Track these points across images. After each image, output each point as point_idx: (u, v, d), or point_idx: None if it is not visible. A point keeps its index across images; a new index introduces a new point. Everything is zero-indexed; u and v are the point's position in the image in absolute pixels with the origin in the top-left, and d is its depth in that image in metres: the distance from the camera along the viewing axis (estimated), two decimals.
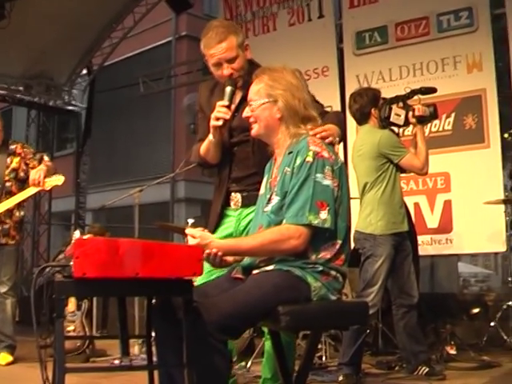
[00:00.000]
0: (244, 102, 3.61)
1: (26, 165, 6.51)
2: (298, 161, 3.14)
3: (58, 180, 6.38)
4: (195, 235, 3.08)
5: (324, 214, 3.05)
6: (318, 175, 3.10)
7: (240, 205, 3.87)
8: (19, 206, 6.52)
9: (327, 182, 3.10)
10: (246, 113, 3.38)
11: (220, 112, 3.68)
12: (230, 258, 3.20)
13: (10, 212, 6.42)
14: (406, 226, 5.56)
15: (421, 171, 5.58)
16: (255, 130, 3.37)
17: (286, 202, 3.13)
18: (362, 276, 5.53)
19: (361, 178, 5.62)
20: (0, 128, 6.51)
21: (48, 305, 2.85)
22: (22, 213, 6.63)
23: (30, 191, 6.34)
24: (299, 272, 3.04)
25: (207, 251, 3.00)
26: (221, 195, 3.96)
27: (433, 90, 5.79)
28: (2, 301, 6.48)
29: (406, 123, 5.57)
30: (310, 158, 3.12)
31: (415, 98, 5.62)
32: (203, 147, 3.94)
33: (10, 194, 6.42)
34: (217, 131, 3.76)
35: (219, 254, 3.02)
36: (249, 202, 3.75)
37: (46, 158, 6.56)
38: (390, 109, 5.48)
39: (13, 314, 6.49)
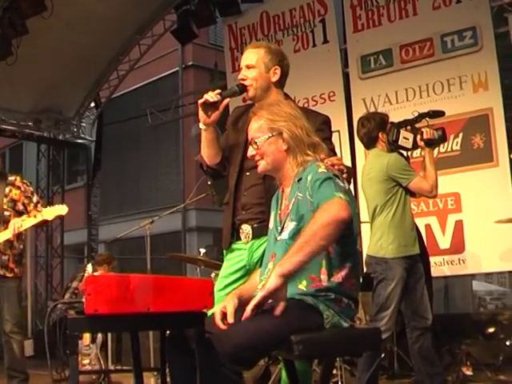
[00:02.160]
0: None
1: (27, 198, 6.49)
2: (310, 177, 3.14)
3: (61, 210, 6.38)
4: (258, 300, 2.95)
5: (349, 200, 3.03)
6: (337, 180, 3.12)
7: (251, 237, 3.86)
8: (18, 238, 6.39)
9: (344, 185, 3.13)
10: (251, 152, 3.39)
11: (209, 95, 3.75)
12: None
13: (10, 243, 6.30)
14: (418, 248, 5.53)
15: (430, 194, 5.56)
16: (262, 166, 3.37)
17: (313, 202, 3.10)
18: (374, 300, 5.51)
19: (370, 202, 5.62)
20: None
21: (62, 340, 2.87)
22: (22, 246, 6.51)
23: (30, 222, 6.29)
24: (311, 301, 3.03)
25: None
26: (230, 218, 3.98)
27: (441, 114, 5.80)
28: (7, 340, 6.30)
29: (415, 146, 5.57)
30: (322, 170, 3.14)
31: (423, 121, 5.63)
32: (202, 146, 4.00)
33: (8, 223, 6.27)
34: (203, 111, 3.78)
35: (284, 284, 2.92)
36: (259, 233, 3.74)
37: (39, 206, 6.52)
38: (399, 132, 5.48)
39: (21, 351, 6.29)
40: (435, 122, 5.81)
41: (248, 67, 3.91)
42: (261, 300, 2.92)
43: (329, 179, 3.08)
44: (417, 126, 5.59)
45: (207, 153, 4.00)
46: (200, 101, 3.77)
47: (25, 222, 6.28)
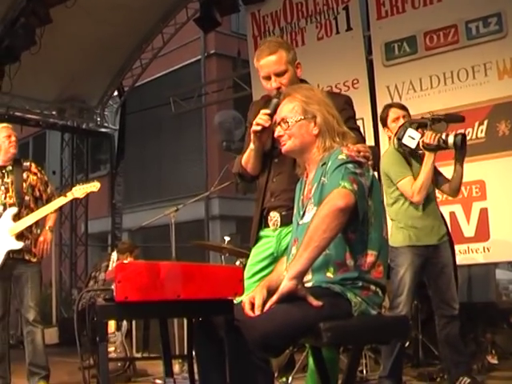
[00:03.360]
0: None
1: (43, 185, 6.49)
2: (330, 162, 3.15)
3: (92, 187, 6.39)
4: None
5: (355, 187, 3.01)
6: (350, 165, 3.09)
7: (279, 224, 3.87)
8: (36, 224, 6.38)
9: (359, 170, 3.10)
10: (279, 132, 3.38)
11: (261, 119, 3.72)
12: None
13: (29, 228, 6.29)
14: (434, 239, 5.53)
15: (410, 199, 5.49)
16: (288, 145, 3.36)
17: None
18: (392, 288, 5.54)
19: (384, 192, 5.63)
20: (14, 144, 6.42)
21: (90, 327, 2.88)
22: (39, 231, 6.46)
23: (62, 200, 6.33)
24: (339, 289, 3.04)
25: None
26: (258, 212, 3.98)
27: (458, 119, 5.75)
28: (31, 330, 6.28)
29: (418, 148, 5.50)
30: (342, 156, 3.13)
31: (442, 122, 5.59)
32: (245, 156, 4.00)
33: (29, 208, 6.32)
34: (256, 138, 3.80)
35: (297, 287, 2.94)
36: (288, 220, 3.70)
37: (54, 197, 6.52)
38: (405, 130, 5.43)
39: (43, 343, 6.32)
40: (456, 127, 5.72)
41: (278, 75, 3.87)
42: (276, 302, 2.95)
43: (341, 166, 3.08)
44: (433, 127, 5.52)
45: (254, 165, 3.99)
46: (255, 128, 3.74)
47: (56, 202, 6.34)
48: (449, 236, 5.75)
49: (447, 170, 5.69)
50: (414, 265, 5.44)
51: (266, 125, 3.69)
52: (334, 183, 3.03)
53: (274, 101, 3.74)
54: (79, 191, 6.37)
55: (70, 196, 6.36)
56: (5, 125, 6.60)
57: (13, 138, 6.45)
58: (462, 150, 5.40)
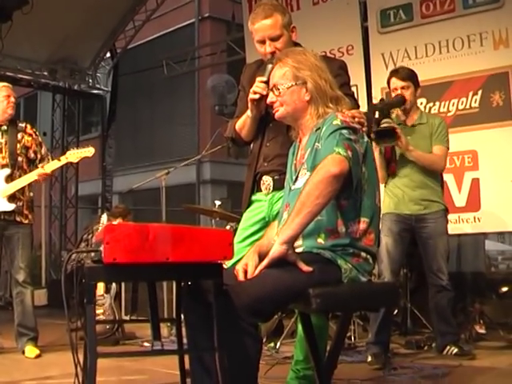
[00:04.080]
0: None
1: (37, 146, 6.43)
2: (324, 128, 3.12)
3: (87, 152, 6.33)
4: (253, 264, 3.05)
5: (350, 153, 2.98)
6: (345, 131, 3.05)
7: (271, 189, 3.86)
8: (29, 185, 6.35)
9: (353, 137, 3.06)
10: (271, 98, 3.35)
11: (258, 87, 3.68)
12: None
13: (22, 190, 6.25)
14: (414, 208, 5.59)
15: None
16: (280, 112, 3.32)
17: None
18: None
19: None
20: (12, 105, 6.36)
21: (78, 289, 2.86)
22: (32, 193, 6.45)
23: (56, 164, 6.27)
24: (329, 255, 3.02)
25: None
26: (251, 176, 3.96)
27: (399, 102, 5.68)
28: (20, 291, 6.29)
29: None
30: (337, 122, 3.09)
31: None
32: (240, 122, 3.96)
33: (22, 169, 6.29)
34: (254, 106, 3.76)
35: (288, 252, 2.93)
36: (280, 185, 3.66)
37: (49, 157, 6.50)
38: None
39: (32, 304, 6.32)
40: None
41: (273, 39, 3.82)
42: (266, 267, 2.94)
43: (336, 131, 3.05)
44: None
45: (248, 132, 3.95)
46: (253, 97, 3.70)
47: (49, 165, 6.26)
48: (445, 210, 5.74)
49: None
50: (392, 232, 5.54)
51: (264, 93, 3.64)
52: (328, 149, 3.00)
53: (269, 66, 3.68)
54: (73, 155, 6.31)
55: (63, 160, 6.32)
56: (5, 84, 6.53)
57: (12, 99, 6.39)
58: (385, 143, 5.44)
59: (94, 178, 17.21)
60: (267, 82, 3.59)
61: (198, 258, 2.69)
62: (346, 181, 2.97)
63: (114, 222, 7.15)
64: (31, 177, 6.23)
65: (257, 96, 3.68)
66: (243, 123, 3.94)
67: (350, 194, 3.06)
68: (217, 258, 2.75)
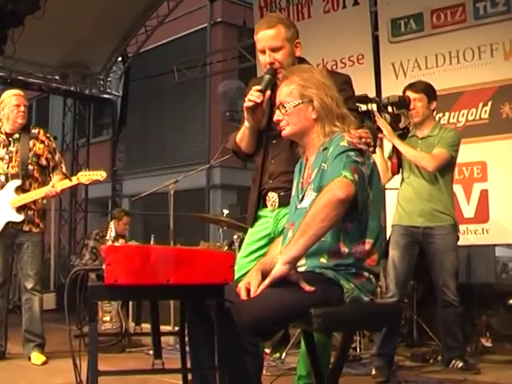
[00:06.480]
0: None
1: (50, 153, 6.45)
2: (331, 149, 3.10)
3: (98, 175, 6.37)
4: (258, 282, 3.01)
5: (356, 177, 2.98)
6: (352, 153, 3.04)
7: (277, 205, 3.85)
8: None
9: (360, 159, 3.05)
10: (278, 116, 3.33)
11: (252, 95, 3.67)
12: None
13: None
14: (419, 221, 5.59)
15: None
16: (287, 131, 3.32)
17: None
18: None
19: None
20: (22, 115, 6.37)
21: (81, 297, 2.88)
22: (45, 201, 6.50)
23: (66, 184, 6.29)
24: (332, 274, 3.02)
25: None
26: (256, 192, 3.96)
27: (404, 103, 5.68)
28: (29, 297, 6.34)
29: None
30: (344, 143, 3.08)
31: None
32: (239, 134, 3.96)
33: (33, 178, 6.31)
34: (250, 115, 3.75)
35: (290, 272, 2.93)
36: (286, 201, 3.64)
37: (62, 165, 6.54)
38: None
39: (41, 311, 6.36)
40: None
41: (273, 50, 3.80)
42: (268, 286, 2.93)
43: (343, 153, 3.03)
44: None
45: (248, 144, 3.96)
46: (248, 105, 3.70)
47: (59, 184, 6.29)
48: (454, 225, 5.71)
49: None
50: (398, 244, 5.54)
51: (258, 101, 3.65)
52: (335, 171, 2.99)
53: (266, 77, 3.73)
54: (84, 177, 6.34)
55: (74, 181, 6.34)
56: (16, 92, 6.53)
57: (22, 108, 6.39)
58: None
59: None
60: (263, 92, 3.63)
61: (199, 280, 2.70)
62: (351, 204, 2.97)
63: (117, 243, 7.19)
64: (39, 193, 6.26)
65: (250, 104, 3.68)
66: (242, 135, 3.94)
67: (355, 216, 3.05)
68: (217, 280, 2.75)
